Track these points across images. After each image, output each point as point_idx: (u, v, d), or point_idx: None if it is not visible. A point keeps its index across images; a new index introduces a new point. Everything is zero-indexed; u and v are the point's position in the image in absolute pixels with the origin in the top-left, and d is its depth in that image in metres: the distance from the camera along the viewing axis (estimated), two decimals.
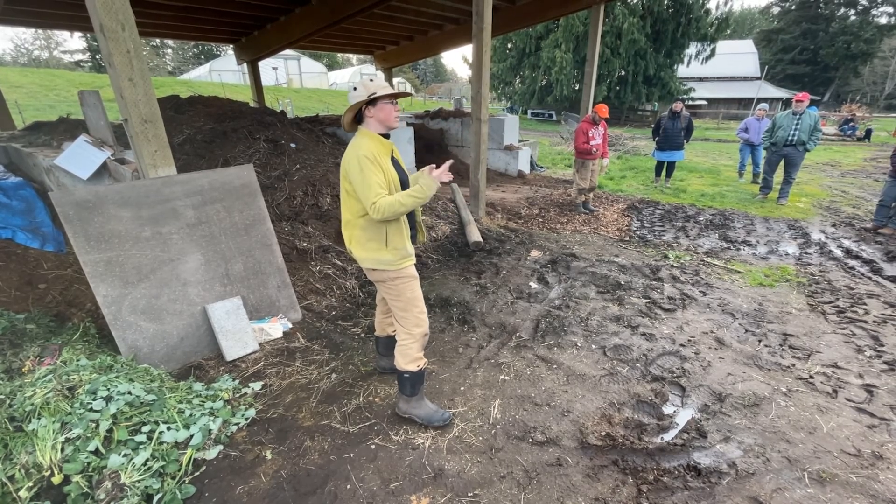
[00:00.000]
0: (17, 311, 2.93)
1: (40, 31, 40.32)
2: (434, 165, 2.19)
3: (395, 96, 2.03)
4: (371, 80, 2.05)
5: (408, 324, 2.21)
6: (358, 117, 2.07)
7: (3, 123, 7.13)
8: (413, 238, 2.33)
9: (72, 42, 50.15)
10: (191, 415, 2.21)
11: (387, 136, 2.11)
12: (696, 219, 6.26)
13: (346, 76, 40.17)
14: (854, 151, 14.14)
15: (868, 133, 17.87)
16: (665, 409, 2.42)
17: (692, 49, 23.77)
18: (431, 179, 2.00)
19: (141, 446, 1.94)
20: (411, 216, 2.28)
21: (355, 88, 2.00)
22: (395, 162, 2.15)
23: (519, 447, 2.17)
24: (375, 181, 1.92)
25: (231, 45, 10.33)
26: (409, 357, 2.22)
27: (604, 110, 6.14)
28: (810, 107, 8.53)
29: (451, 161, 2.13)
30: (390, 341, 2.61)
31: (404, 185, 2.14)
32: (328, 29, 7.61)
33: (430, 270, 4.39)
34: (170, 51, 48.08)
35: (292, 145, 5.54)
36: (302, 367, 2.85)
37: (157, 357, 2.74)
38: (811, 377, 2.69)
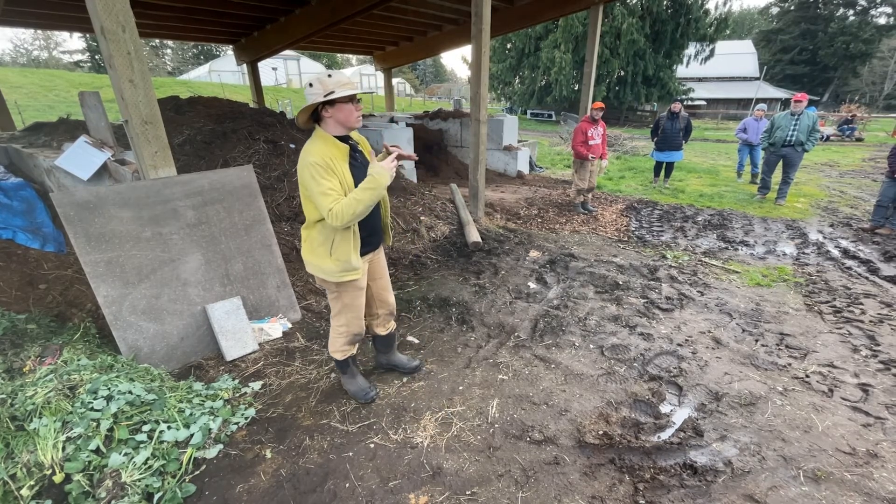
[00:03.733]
0: (18, 312, 2.94)
1: (39, 31, 40.29)
2: (387, 153, 2.00)
3: (354, 96, 1.84)
4: (329, 76, 1.82)
5: (337, 322, 2.29)
6: (315, 116, 1.91)
7: (4, 124, 7.15)
8: (376, 243, 2.25)
9: (71, 42, 50.27)
10: (191, 414, 2.23)
11: (346, 138, 1.95)
12: (694, 219, 6.28)
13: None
14: (852, 152, 14.16)
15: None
16: (662, 408, 2.44)
17: (691, 49, 23.79)
18: (380, 167, 1.84)
19: (141, 445, 1.96)
20: (371, 220, 2.14)
21: (311, 85, 1.80)
22: (364, 161, 2.03)
23: (517, 446, 2.18)
24: (329, 187, 1.79)
25: (231, 46, 10.36)
26: (334, 346, 2.38)
27: (599, 105, 6.18)
28: (809, 107, 8.55)
29: (399, 151, 1.98)
30: (386, 338, 2.64)
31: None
32: (328, 30, 7.63)
33: (429, 270, 4.40)
34: (169, 51, 48.05)
35: (292, 146, 5.55)
36: (301, 366, 2.87)
37: (158, 357, 2.75)
38: (807, 376, 2.71)
